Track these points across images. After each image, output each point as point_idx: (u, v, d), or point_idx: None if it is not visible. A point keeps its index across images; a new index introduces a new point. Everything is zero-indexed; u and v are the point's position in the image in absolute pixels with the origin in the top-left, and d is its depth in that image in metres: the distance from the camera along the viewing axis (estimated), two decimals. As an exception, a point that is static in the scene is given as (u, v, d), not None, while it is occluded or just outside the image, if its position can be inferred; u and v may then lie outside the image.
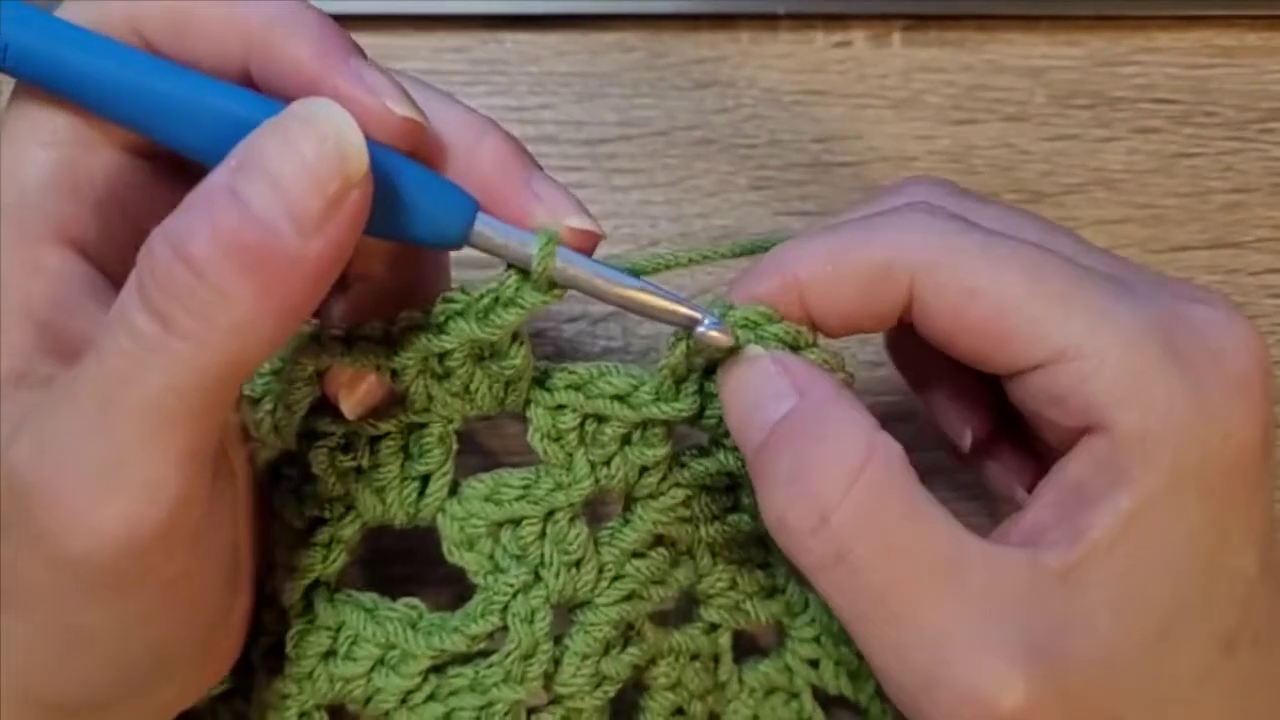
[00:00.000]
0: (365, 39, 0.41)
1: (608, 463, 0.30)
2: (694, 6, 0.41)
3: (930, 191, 0.29)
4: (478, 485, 0.31)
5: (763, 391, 0.26)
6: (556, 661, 0.31)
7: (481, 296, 0.28)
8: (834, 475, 0.24)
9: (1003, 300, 0.25)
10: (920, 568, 0.23)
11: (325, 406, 0.30)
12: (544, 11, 0.40)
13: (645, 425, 0.30)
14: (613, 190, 0.40)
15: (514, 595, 0.30)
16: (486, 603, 0.30)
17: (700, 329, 0.27)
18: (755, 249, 0.30)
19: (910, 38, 0.41)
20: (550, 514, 0.31)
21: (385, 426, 0.30)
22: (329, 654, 0.31)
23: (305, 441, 0.30)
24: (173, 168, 0.27)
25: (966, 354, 0.26)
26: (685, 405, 0.29)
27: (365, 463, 0.30)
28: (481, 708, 0.31)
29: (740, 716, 0.34)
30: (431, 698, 0.31)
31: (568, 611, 0.32)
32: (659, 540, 0.32)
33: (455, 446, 0.31)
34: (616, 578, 0.31)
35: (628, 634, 0.32)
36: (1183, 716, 0.24)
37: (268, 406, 0.29)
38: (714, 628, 0.34)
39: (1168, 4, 0.41)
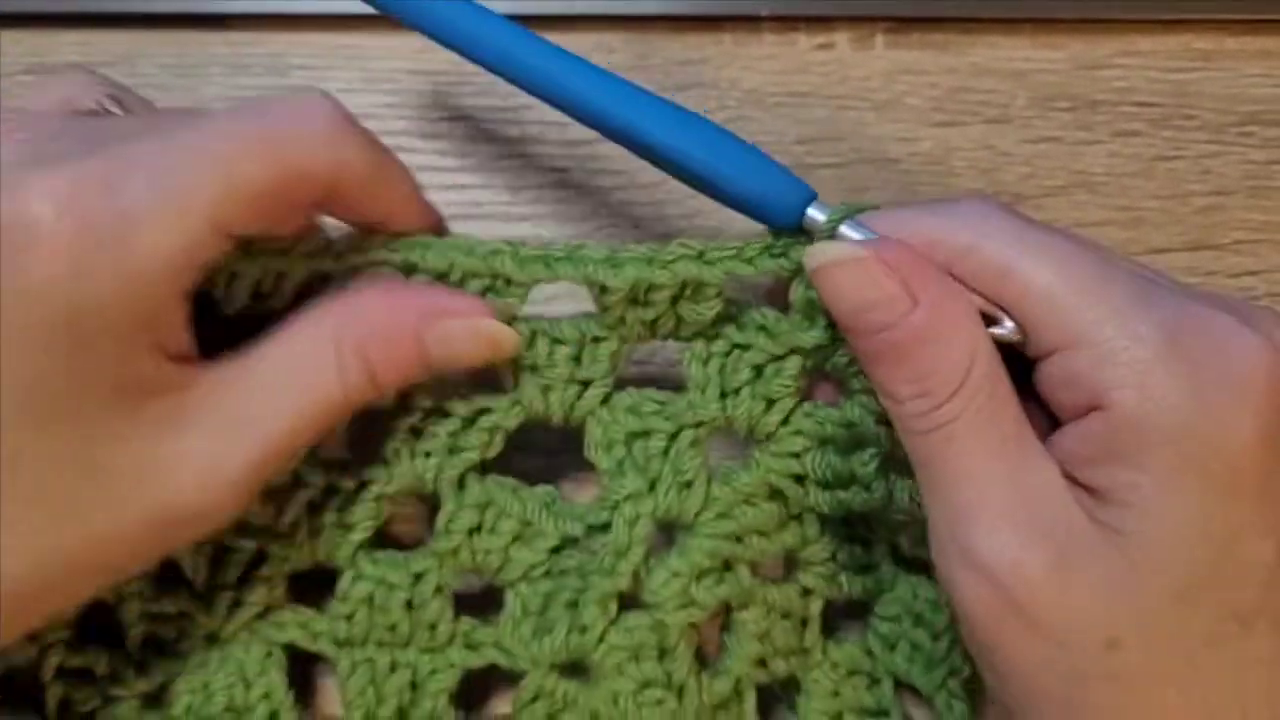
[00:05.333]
0: (349, 39, 0.41)
1: (737, 390, 0.33)
2: (677, 8, 0.41)
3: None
4: (625, 397, 0.34)
5: (874, 295, 0.28)
6: (650, 569, 0.34)
7: (744, 247, 0.32)
8: (949, 373, 0.27)
9: (1030, 285, 0.27)
10: (992, 445, 0.27)
11: None
12: (526, 12, 0.40)
13: (782, 358, 0.33)
14: (596, 191, 0.40)
15: (625, 499, 0.33)
16: (603, 501, 0.34)
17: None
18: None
19: (893, 40, 0.41)
20: (677, 433, 0.34)
21: (570, 334, 0.33)
22: (474, 529, 0.34)
23: None
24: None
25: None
26: (819, 333, 0.32)
27: (540, 361, 0.33)
28: (580, 590, 0.34)
29: (821, 688, 0.35)
30: (547, 574, 0.34)
31: (675, 531, 0.34)
32: (772, 495, 0.34)
33: (622, 363, 0.34)
34: (722, 515, 0.34)
35: (723, 571, 0.34)
36: (1185, 669, 0.25)
37: None
38: (807, 592, 0.35)
39: (1148, 8, 0.42)
